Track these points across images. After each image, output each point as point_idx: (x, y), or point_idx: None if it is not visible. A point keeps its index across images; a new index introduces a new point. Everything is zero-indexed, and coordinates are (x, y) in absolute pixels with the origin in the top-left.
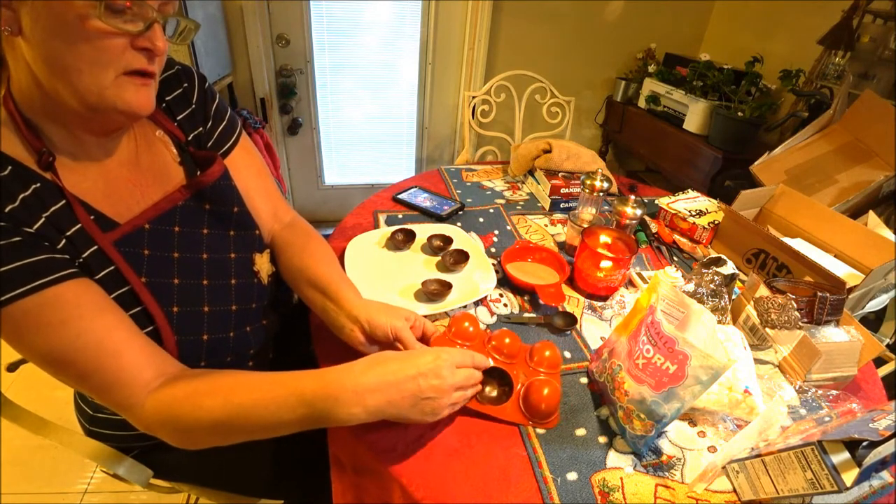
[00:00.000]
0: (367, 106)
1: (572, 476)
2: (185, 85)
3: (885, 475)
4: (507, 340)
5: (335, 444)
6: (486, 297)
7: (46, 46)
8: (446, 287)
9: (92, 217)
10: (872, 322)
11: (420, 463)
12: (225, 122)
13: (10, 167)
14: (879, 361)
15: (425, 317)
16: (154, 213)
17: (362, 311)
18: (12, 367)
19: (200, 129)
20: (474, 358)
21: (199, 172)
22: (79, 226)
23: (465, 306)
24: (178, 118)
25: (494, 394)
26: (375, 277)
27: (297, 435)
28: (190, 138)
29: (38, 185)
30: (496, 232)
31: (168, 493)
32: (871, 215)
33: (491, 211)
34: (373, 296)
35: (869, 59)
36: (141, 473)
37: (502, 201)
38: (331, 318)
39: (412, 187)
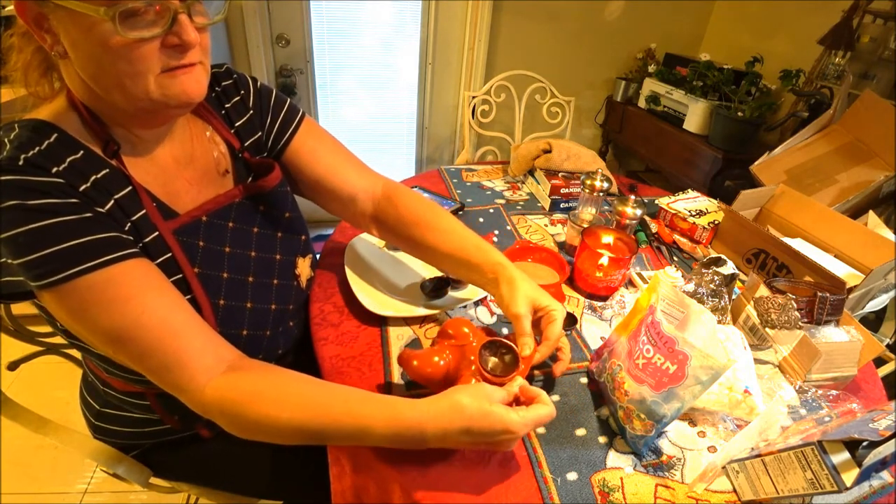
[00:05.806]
0: (367, 106)
1: (572, 476)
2: (242, 92)
3: (885, 475)
4: (465, 329)
5: (335, 445)
6: (486, 297)
7: (87, 68)
8: (445, 287)
9: (154, 205)
10: (872, 322)
11: (420, 463)
12: (285, 111)
13: (82, 151)
14: (879, 361)
15: (424, 317)
16: (213, 206)
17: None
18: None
19: (259, 133)
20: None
21: (251, 177)
22: (143, 212)
23: (465, 306)
24: (237, 125)
25: (500, 366)
26: (375, 277)
27: None
28: (247, 144)
29: (107, 170)
30: (496, 232)
31: (168, 492)
32: (871, 215)
33: (491, 211)
34: (373, 295)
35: (869, 59)
36: (141, 473)
37: (502, 201)
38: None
39: (412, 187)
